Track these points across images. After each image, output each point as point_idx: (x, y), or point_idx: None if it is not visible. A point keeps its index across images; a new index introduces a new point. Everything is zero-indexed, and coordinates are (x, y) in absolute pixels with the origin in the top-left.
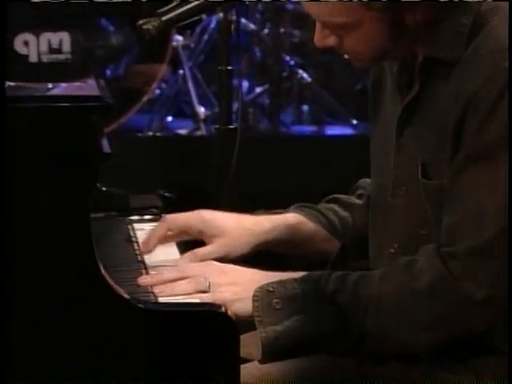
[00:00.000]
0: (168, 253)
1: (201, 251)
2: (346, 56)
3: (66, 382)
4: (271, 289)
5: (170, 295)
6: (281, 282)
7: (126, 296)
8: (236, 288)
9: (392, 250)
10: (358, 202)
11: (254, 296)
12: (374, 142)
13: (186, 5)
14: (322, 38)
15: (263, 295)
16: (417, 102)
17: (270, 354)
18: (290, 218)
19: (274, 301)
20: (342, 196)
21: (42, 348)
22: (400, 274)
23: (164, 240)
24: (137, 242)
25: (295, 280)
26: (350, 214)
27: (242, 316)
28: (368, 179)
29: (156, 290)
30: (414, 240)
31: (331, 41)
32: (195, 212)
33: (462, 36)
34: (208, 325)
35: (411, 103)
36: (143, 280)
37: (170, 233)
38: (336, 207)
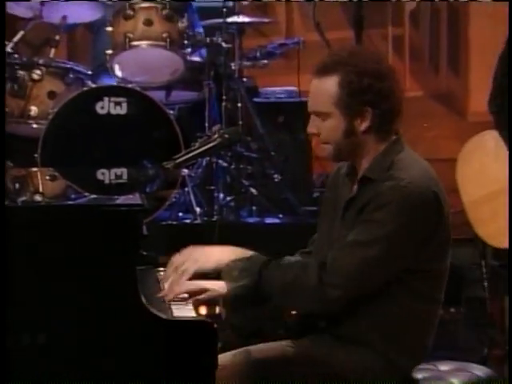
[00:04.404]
0: None
1: (200, 296)
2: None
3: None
4: (232, 264)
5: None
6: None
7: (155, 312)
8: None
9: None
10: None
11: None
12: (321, 220)
13: (189, 153)
14: (309, 128)
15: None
16: (353, 200)
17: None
18: None
19: (233, 272)
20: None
21: (97, 348)
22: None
23: None
24: (162, 283)
25: (248, 259)
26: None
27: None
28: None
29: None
30: None
31: (314, 129)
32: (190, 282)
33: (384, 165)
34: (200, 328)
35: (350, 200)
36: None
37: None
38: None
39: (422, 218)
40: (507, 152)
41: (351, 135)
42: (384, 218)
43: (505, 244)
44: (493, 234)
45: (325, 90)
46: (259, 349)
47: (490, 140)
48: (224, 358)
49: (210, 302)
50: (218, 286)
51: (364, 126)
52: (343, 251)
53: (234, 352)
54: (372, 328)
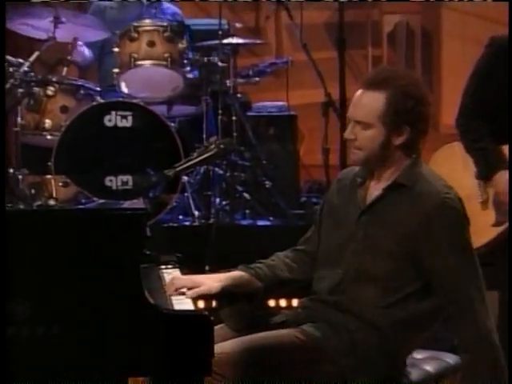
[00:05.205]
0: None
1: (193, 290)
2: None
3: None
4: None
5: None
6: None
7: (157, 305)
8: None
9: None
10: (282, 254)
11: None
12: (329, 223)
13: (189, 162)
14: (348, 134)
15: None
16: (374, 205)
17: None
18: (237, 272)
19: None
20: (279, 254)
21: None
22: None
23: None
24: (163, 279)
25: None
26: (272, 266)
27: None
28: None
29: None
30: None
31: (352, 135)
32: (188, 276)
33: (415, 175)
34: (198, 320)
35: (371, 204)
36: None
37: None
38: (268, 261)
39: (464, 223)
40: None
41: (386, 147)
42: (450, 232)
43: None
44: None
45: (371, 103)
46: (258, 337)
47: (459, 150)
48: (223, 345)
49: (207, 297)
50: (211, 283)
51: (399, 141)
52: (454, 281)
53: (233, 340)
54: (384, 315)
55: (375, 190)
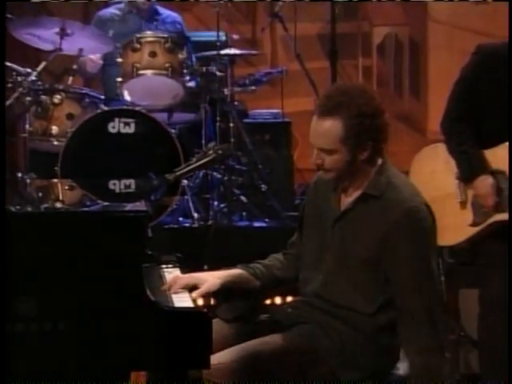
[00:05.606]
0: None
1: (197, 291)
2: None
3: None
4: None
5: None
6: None
7: (158, 302)
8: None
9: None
10: (279, 256)
11: None
12: (308, 231)
13: (188, 167)
14: (315, 159)
15: None
16: (346, 213)
17: None
18: (236, 270)
19: None
20: (274, 255)
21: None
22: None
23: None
24: (164, 278)
25: None
26: (269, 266)
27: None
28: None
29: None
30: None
31: (319, 160)
32: (190, 274)
33: (382, 184)
34: (198, 317)
35: (344, 213)
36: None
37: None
38: (265, 261)
39: (426, 232)
40: (456, 166)
41: (353, 164)
42: (416, 243)
43: (446, 242)
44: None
45: (330, 130)
46: (253, 344)
47: (442, 151)
48: (220, 355)
49: (206, 295)
50: (212, 280)
51: (364, 155)
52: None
53: (229, 349)
54: (368, 322)
55: (347, 197)
